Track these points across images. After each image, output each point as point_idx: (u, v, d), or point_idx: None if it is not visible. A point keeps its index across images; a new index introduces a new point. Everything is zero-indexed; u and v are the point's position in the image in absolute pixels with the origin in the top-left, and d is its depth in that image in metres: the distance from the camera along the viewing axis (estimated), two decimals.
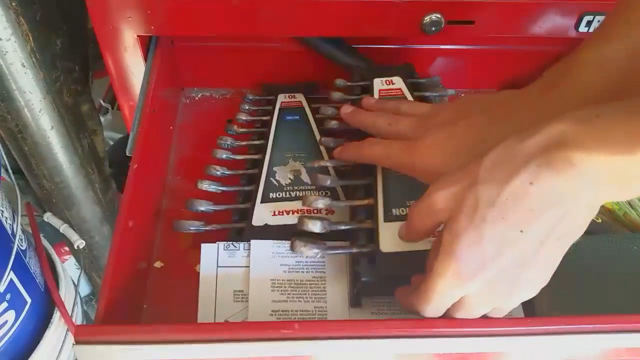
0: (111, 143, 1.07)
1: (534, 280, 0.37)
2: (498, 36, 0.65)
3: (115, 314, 0.40)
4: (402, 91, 0.59)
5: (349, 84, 0.62)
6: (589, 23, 0.57)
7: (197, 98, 0.68)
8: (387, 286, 0.45)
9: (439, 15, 0.53)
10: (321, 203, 0.49)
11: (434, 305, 0.38)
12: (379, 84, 0.59)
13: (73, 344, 0.37)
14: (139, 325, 0.41)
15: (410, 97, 0.58)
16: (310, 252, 0.46)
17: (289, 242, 0.47)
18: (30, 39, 0.61)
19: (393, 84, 0.59)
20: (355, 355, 0.40)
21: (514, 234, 0.34)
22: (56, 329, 0.65)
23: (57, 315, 0.65)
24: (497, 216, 0.34)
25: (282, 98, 0.65)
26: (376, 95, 0.58)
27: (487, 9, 0.55)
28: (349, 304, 0.48)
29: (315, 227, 0.46)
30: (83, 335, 0.37)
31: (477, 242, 0.35)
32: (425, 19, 0.54)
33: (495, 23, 0.56)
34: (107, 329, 0.37)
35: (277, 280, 0.49)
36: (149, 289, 0.49)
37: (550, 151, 0.32)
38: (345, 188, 0.54)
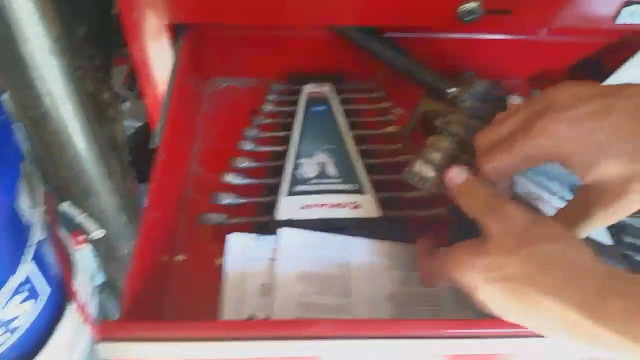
0: (130, 131, 1.06)
1: None
2: (534, 27, 0.63)
3: (139, 309, 0.39)
4: None
5: None
6: (631, 14, 0.54)
7: (222, 88, 0.66)
8: None
9: (477, 4, 0.52)
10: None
11: None
12: None
13: (95, 342, 0.36)
14: (165, 322, 0.40)
15: None
16: (431, 173, 0.46)
17: (319, 233, 0.47)
18: (56, 25, 0.60)
19: None
20: (382, 354, 0.39)
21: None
22: (72, 318, 0.65)
23: (73, 304, 0.65)
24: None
25: (308, 88, 0.64)
26: None
27: None
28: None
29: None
30: (107, 332, 0.36)
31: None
32: (462, 7, 0.52)
33: (532, 13, 0.54)
34: (131, 326, 0.36)
35: (305, 272, 0.47)
36: (170, 283, 0.48)
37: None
38: None
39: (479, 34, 0.64)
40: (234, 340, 0.37)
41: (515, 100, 0.59)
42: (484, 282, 0.37)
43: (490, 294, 0.37)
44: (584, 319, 0.33)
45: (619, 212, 0.39)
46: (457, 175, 0.43)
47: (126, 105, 1.11)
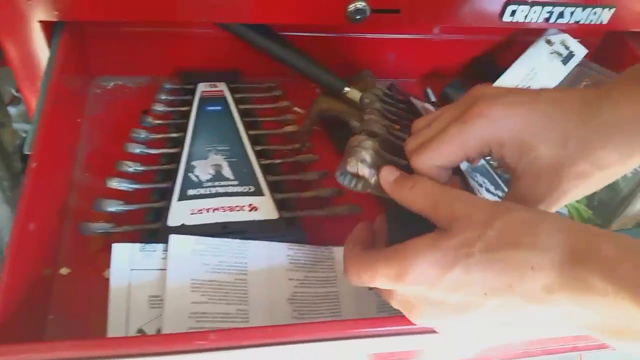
0: (24, 136, 1.00)
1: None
2: (423, 25, 0.64)
3: (14, 330, 0.37)
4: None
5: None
6: (513, 12, 0.56)
7: (109, 87, 0.63)
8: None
9: (364, 4, 0.52)
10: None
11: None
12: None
13: None
14: (36, 343, 0.37)
15: None
16: (366, 171, 0.42)
17: (212, 238, 0.46)
18: None
19: None
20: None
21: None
22: None
23: None
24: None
25: (202, 87, 0.62)
26: None
27: None
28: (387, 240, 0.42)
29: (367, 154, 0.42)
30: None
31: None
32: (350, 7, 0.52)
33: (420, 12, 0.55)
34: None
35: (198, 280, 0.46)
36: (54, 298, 0.45)
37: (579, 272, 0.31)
38: None
39: (373, 34, 0.64)
40: (117, 358, 0.35)
41: (416, 102, 0.60)
42: (455, 262, 0.33)
43: (459, 277, 0.33)
44: (574, 265, 0.31)
45: (558, 202, 0.39)
46: (390, 173, 0.41)
47: (20, 108, 1.04)
